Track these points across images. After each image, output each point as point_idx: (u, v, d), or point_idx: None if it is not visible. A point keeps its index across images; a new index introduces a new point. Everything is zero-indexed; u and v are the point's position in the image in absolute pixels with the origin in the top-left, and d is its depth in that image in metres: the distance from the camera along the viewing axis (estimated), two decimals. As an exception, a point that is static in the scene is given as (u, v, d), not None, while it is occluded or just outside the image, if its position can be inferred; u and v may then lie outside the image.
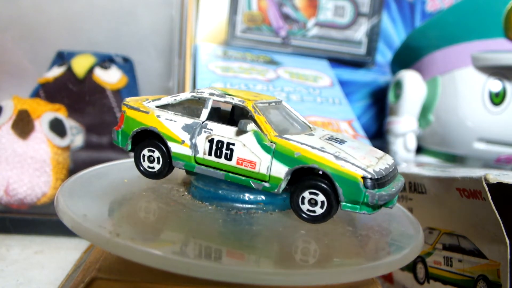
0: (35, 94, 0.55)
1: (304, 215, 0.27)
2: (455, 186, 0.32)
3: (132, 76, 0.62)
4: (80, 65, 0.56)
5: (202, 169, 0.29)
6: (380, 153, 0.29)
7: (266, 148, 0.27)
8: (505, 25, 0.55)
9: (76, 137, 0.54)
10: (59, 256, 0.43)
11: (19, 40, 0.65)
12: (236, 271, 0.21)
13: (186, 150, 0.29)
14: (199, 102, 0.31)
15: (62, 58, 0.60)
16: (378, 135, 0.71)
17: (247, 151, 0.27)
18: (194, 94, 0.30)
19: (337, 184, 0.25)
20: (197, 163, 0.29)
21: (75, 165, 0.52)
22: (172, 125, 0.29)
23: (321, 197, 0.26)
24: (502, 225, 0.28)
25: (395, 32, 0.76)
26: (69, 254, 0.43)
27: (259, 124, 0.28)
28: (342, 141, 0.28)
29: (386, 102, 0.69)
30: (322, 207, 0.26)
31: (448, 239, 0.34)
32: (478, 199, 0.30)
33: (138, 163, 0.31)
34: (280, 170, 0.27)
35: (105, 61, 0.59)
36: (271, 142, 0.27)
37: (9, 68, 0.66)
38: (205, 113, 0.30)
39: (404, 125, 0.62)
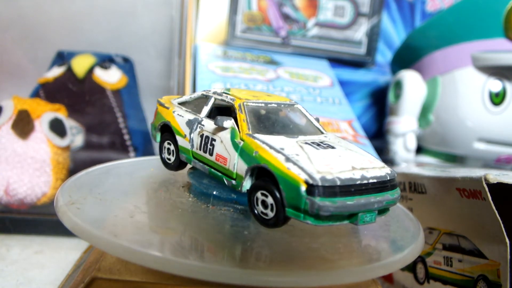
0: (35, 94, 0.55)
1: (258, 217, 0.26)
2: (455, 186, 0.32)
3: (132, 76, 0.62)
4: (80, 65, 0.56)
5: (196, 163, 0.30)
6: (372, 164, 0.26)
7: (235, 146, 0.27)
8: (505, 25, 0.55)
9: (76, 137, 0.54)
10: (59, 256, 0.43)
11: (19, 40, 0.65)
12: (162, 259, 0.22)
13: (187, 144, 0.31)
14: (206, 100, 0.32)
15: (62, 58, 0.60)
16: (378, 135, 0.71)
17: (223, 147, 0.28)
18: (204, 92, 0.32)
19: (281, 186, 0.24)
20: (193, 157, 0.30)
21: (75, 165, 0.52)
22: (180, 120, 0.31)
23: (270, 200, 0.25)
24: (502, 225, 0.28)
25: (395, 32, 0.76)
26: (69, 254, 0.43)
27: (238, 122, 0.28)
28: (326, 147, 0.26)
29: (386, 102, 0.69)
30: (272, 210, 0.25)
31: (448, 239, 0.34)
32: (478, 199, 0.30)
33: (161, 153, 0.34)
34: (242, 168, 0.26)
35: (105, 61, 0.59)
36: (241, 139, 0.27)
37: (9, 68, 0.66)
38: (205, 110, 0.31)
39: (404, 125, 0.62)
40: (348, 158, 0.26)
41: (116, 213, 0.28)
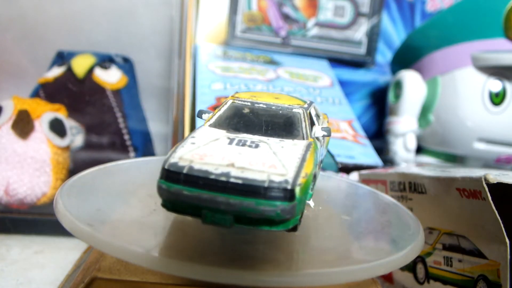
0: (35, 94, 0.55)
1: None
2: (455, 186, 0.32)
3: (132, 76, 0.62)
4: (80, 65, 0.56)
5: None
6: (267, 168, 0.22)
7: None
8: (505, 25, 0.55)
9: (76, 137, 0.54)
10: (59, 256, 0.43)
11: (19, 40, 0.65)
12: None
13: None
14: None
15: (62, 58, 0.60)
16: (378, 135, 0.71)
17: None
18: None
19: None
20: None
21: (75, 165, 0.52)
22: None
23: None
24: (502, 225, 0.28)
25: (395, 32, 0.76)
26: (69, 254, 0.43)
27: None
28: (245, 145, 0.25)
29: (386, 102, 0.69)
30: None
31: (448, 239, 0.34)
32: (478, 199, 0.30)
33: None
34: None
35: (105, 61, 0.59)
36: None
37: (9, 68, 0.66)
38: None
39: (404, 125, 0.62)
40: (244, 157, 0.23)
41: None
